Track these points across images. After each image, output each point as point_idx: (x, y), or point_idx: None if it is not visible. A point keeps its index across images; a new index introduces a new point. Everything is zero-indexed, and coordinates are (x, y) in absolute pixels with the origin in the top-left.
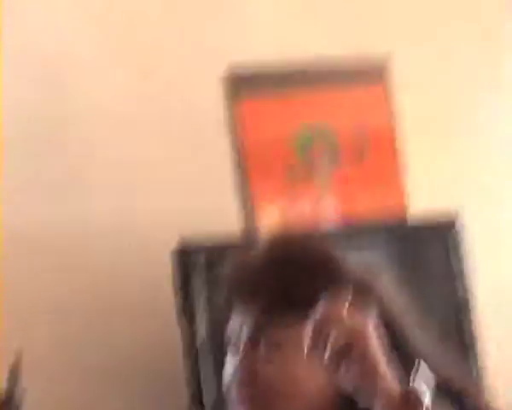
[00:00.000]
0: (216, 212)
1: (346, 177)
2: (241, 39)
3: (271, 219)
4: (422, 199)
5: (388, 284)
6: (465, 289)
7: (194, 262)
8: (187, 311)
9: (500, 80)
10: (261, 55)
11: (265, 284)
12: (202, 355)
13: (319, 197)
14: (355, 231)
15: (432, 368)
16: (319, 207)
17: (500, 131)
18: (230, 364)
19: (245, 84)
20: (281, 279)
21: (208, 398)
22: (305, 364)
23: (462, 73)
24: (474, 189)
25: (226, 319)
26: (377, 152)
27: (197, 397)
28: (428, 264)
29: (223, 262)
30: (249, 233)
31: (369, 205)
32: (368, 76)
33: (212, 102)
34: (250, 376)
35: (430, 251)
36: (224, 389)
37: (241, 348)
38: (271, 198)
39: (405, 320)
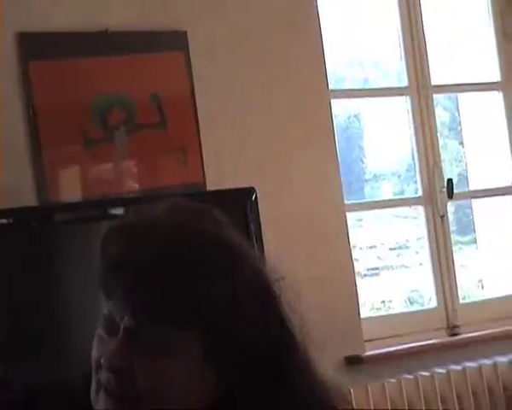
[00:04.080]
0: (8, 179)
1: (144, 143)
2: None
3: (70, 185)
4: (218, 169)
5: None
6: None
7: None
8: None
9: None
10: (58, 17)
11: (156, 274)
12: None
13: (117, 163)
14: (154, 197)
15: None
16: (118, 172)
17: (294, 111)
18: (102, 341)
19: (39, 44)
20: (174, 275)
21: None
22: (185, 372)
23: (266, 42)
24: (266, 169)
25: (101, 289)
26: (176, 119)
27: None
28: None
29: (18, 228)
30: (45, 198)
31: (168, 170)
32: (165, 42)
33: (5, 60)
34: (124, 366)
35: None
36: (92, 362)
37: (120, 334)
38: (67, 162)
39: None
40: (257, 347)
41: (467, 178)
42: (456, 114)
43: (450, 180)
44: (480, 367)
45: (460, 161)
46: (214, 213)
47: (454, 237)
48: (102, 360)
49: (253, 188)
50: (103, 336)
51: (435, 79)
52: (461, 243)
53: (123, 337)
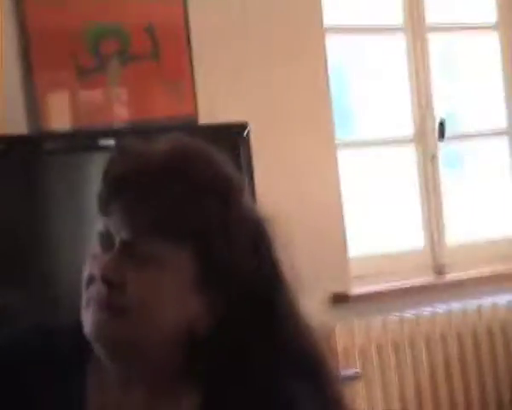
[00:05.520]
0: None
1: (137, 73)
2: None
3: (61, 112)
4: (211, 103)
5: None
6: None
7: None
8: None
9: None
10: None
11: (159, 192)
12: None
13: (109, 93)
14: (146, 128)
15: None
16: (110, 102)
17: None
18: (96, 258)
19: None
20: (176, 194)
21: None
22: (175, 289)
23: None
24: (260, 105)
25: (101, 209)
26: (170, 50)
27: None
28: None
29: (8, 156)
30: (35, 124)
31: (160, 102)
32: None
33: None
34: (116, 277)
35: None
36: (83, 280)
37: (115, 247)
38: (58, 89)
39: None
40: (248, 280)
41: (457, 118)
42: (451, 54)
43: (442, 121)
44: (465, 309)
45: (451, 102)
46: (214, 150)
47: (444, 178)
48: (95, 274)
49: (246, 123)
50: (97, 253)
51: (431, 19)
52: (450, 183)
53: (118, 249)
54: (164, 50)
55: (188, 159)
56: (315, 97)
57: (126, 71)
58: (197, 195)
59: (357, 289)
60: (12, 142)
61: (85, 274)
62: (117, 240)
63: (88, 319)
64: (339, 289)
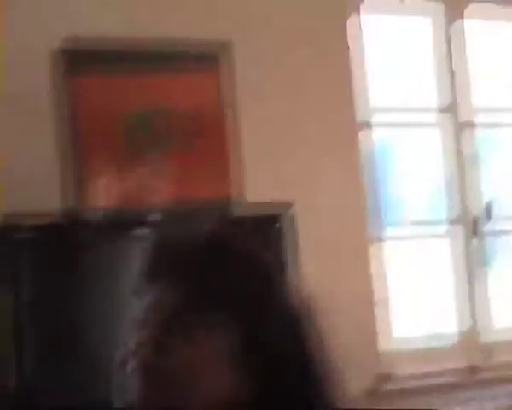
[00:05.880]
0: (42, 187)
1: (177, 160)
2: (78, 12)
3: (101, 196)
4: (253, 189)
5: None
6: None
7: (18, 239)
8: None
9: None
10: (100, 32)
11: (203, 269)
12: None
13: (149, 177)
14: (190, 209)
15: None
16: (150, 186)
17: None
18: (141, 329)
19: (81, 60)
20: (219, 274)
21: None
22: (217, 361)
23: (300, 70)
24: (304, 184)
25: (148, 283)
26: (209, 138)
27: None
28: None
29: (49, 239)
30: (76, 210)
31: (206, 183)
32: (204, 62)
33: (45, 76)
34: (163, 344)
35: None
36: (122, 360)
37: (161, 318)
38: (101, 175)
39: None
40: (287, 361)
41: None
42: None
43: (488, 203)
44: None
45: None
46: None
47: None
48: (142, 344)
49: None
50: (141, 325)
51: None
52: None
53: (164, 320)
54: (209, 132)
55: (231, 239)
56: (349, 189)
57: (173, 152)
58: (240, 275)
59: (388, 386)
60: (59, 222)
61: (131, 346)
62: (162, 311)
63: (134, 387)
64: (370, 384)
